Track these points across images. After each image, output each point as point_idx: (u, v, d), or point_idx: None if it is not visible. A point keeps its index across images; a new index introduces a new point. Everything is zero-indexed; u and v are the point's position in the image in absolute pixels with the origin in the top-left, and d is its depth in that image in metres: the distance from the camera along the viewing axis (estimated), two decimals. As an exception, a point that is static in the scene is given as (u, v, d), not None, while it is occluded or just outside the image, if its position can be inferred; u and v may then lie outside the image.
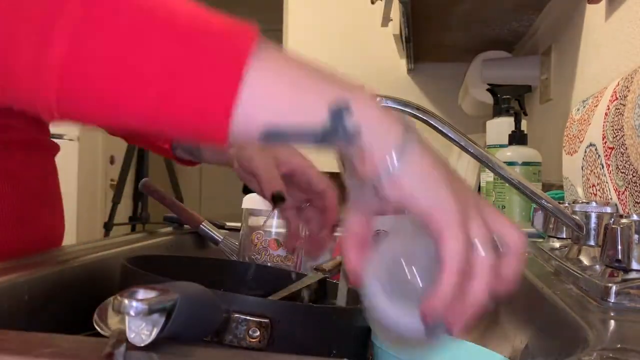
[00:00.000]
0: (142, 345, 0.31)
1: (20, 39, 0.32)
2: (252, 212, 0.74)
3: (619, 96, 0.68)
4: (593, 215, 0.58)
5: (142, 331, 0.31)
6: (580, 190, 0.81)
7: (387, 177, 0.33)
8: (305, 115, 0.33)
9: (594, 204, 0.58)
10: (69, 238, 0.79)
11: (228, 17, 0.37)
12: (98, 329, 0.40)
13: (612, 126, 0.68)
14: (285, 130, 0.33)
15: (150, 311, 0.29)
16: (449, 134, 0.55)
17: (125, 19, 0.32)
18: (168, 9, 0.34)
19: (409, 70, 2.12)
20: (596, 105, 0.77)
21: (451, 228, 0.33)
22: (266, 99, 0.33)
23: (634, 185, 0.62)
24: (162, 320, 0.31)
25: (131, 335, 0.31)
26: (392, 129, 0.33)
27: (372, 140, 0.33)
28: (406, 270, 0.35)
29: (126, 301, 0.29)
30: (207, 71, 0.32)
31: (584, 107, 0.84)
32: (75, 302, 0.58)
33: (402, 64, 2.09)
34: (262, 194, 0.64)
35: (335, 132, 0.32)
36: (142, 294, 0.30)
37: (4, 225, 0.64)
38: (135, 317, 0.29)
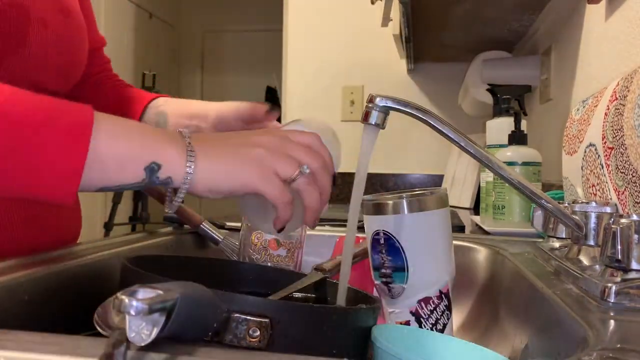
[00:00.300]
0: (142, 344, 0.31)
1: None
2: (252, 212, 0.74)
3: (619, 96, 0.68)
4: (593, 215, 0.58)
5: (142, 331, 0.31)
6: (580, 190, 0.81)
7: (189, 189, 0.48)
8: (130, 177, 0.46)
9: (593, 204, 0.58)
10: (69, 238, 0.80)
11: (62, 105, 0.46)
12: (98, 329, 0.40)
13: (612, 126, 0.68)
14: (117, 187, 0.47)
15: (151, 311, 0.29)
16: (449, 134, 0.55)
17: None
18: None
19: (409, 70, 2.12)
20: (596, 106, 0.77)
21: (260, 185, 0.48)
22: (100, 172, 0.45)
23: (634, 185, 0.62)
24: (162, 319, 0.31)
25: (131, 335, 0.31)
26: (181, 163, 0.47)
27: (175, 178, 0.47)
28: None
29: (126, 300, 0.29)
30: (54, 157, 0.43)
31: (583, 107, 0.84)
32: (75, 302, 0.58)
33: (402, 64, 2.09)
34: None
35: (152, 182, 0.47)
36: (142, 293, 0.30)
37: (14, 225, 0.66)
38: (136, 317, 0.29)
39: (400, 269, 0.55)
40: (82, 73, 0.77)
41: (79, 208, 0.82)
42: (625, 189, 0.64)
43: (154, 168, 0.46)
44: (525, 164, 1.01)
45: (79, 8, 0.75)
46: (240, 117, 0.76)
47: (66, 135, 0.43)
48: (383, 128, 0.55)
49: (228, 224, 0.94)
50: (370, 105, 0.54)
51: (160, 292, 0.30)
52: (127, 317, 0.30)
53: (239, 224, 0.78)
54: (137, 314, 0.29)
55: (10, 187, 0.44)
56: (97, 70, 0.90)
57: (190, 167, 0.47)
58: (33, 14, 0.64)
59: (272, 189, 0.48)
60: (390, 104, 0.54)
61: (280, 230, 0.53)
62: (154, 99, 0.83)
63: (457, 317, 0.73)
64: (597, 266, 0.54)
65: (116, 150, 0.45)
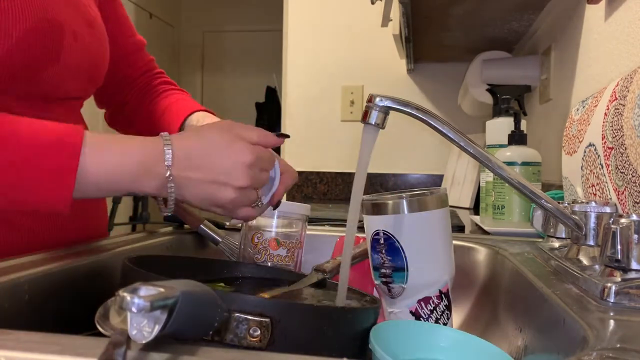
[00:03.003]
0: (144, 342, 0.31)
1: None
2: (252, 212, 0.74)
3: (619, 96, 0.68)
4: (592, 215, 0.58)
5: (143, 328, 0.31)
6: (579, 190, 0.81)
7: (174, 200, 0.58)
8: (117, 189, 0.56)
9: (593, 204, 0.58)
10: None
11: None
12: (99, 329, 0.40)
13: (612, 126, 0.68)
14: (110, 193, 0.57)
15: (152, 308, 0.29)
16: (449, 134, 0.55)
17: None
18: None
19: (409, 70, 2.12)
20: (596, 106, 0.77)
21: (226, 214, 0.61)
22: (91, 187, 0.54)
23: (634, 185, 0.62)
24: (163, 317, 0.31)
25: (133, 332, 0.31)
26: (161, 192, 0.57)
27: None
28: None
29: (128, 298, 0.29)
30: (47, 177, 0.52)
31: (583, 107, 0.84)
32: (76, 301, 0.58)
33: (402, 64, 2.09)
34: None
35: (134, 192, 0.57)
36: (144, 290, 0.30)
37: (62, 220, 0.72)
38: (137, 314, 0.29)
39: (400, 269, 0.55)
40: (104, 77, 0.81)
41: (105, 207, 0.86)
42: (624, 189, 0.64)
43: (135, 193, 0.58)
44: (525, 164, 1.01)
45: (101, 19, 0.79)
46: None
47: (52, 176, 0.52)
48: (383, 128, 0.55)
49: (228, 224, 0.94)
50: (370, 105, 0.54)
51: (162, 289, 0.31)
52: (128, 314, 0.30)
53: (239, 224, 0.78)
54: (138, 311, 0.29)
55: (14, 203, 0.54)
56: (141, 71, 0.93)
57: (171, 195, 0.57)
58: (66, 27, 0.67)
59: (238, 217, 0.62)
60: (390, 103, 0.54)
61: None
62: (190, 113, 0.85)
63: (457, 317, 0.73)
64: (597, 266, 0.54)
65: (99, 187, 0.54)
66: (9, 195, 0.52)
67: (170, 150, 0.55)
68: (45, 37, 0.64)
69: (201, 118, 0.84)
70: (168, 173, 0.55)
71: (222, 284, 0.62)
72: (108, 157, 0.54)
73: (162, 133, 0.57)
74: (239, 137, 0.59)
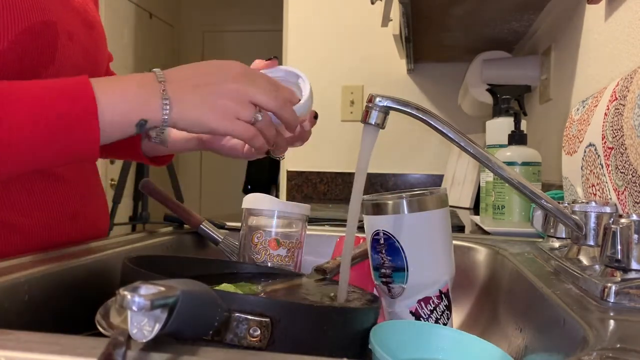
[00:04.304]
0: (144, 340, 0.31)
1: None
2: (252, 212, 0.74)
3: (619, 96, 0.68)
4: (592, 215, 0.58)
5: (144, 327, 0.31)
6: (579, 190, 0.81)
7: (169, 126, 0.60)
8: (128, 121, 0.59)
9: (593, 204, 0.58)
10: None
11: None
12: (100, 329, 0.40)
13: (612, 126, 0.68)
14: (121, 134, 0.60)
15: (153, 306, 0.29)
16: (449, 134, 0.55)
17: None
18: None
19: (409, 70, 2.12)
20: (596, 106, 0.77)
21: (226, 129, 0.61)
22: (107, 125, 0.58)
23: (634, 185, 0.62)
24: (164, 316, 0.31)
25: (133, 331, 0.31)
26: (159, 111, 0.59)
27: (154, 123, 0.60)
28: None
29: (129, 296, 0.29)
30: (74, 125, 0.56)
31: (583, 107, 0.84)
32: (76, 301, 0.58)
33: (402, 64, 2.09)
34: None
35: (141, 129, 0.59)
36: (144, 289, 0.30)
37: (60, 220, 0.72)
38: (138, 313, 0.29)
39: (400, 269, 0.55)
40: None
41: (105, 201, 0.86)
42: (624, 189, 0.64)
43: (142, 124, 0.59)
44: (525, 164, 1.01)
45: (101, 22, 0.80)
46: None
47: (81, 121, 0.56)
48: (383, 128, 0.55)
49: (228, 224, 0.94)
50: (370, 105, 0.54)
51: (162, 288, 0.31)
52: (129, 312, 0.30)
53: (239, 224, 0.78)
54: (139, 309, 0.29)
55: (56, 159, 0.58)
56: None
57: (165, 114, 0.59)
58: (60, 27, 0.68)
59: (235, 129, 0.61)
60: (390, 103, 0.54)
61: (267, 153, 0.70)
62: None
63: (457, 317, 0.73)
64: (597, 266, 0.54)
65: (114, 118, 0.58)
66: (40, 152, 0.56)
67: (162, 72, 0.60)
68: (39, 38, 0.65)
69: None
70: (162, 88, 0.59)
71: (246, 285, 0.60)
72: (113, 94, 0.58)
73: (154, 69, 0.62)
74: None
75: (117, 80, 0.60)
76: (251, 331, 0.38)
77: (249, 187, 3.73)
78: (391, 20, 1.61)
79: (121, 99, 0.58)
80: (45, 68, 0.66)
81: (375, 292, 0.62)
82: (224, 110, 0.60)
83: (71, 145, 0.57)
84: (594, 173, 0.74)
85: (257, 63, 0.72)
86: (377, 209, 0.56)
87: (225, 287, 0.55)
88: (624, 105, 0.66)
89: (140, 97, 0.58)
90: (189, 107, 0.59)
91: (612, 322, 0.42)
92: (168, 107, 0.58)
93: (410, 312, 0.56)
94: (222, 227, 0.91)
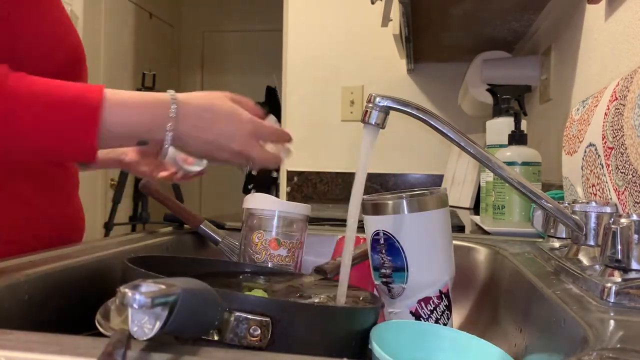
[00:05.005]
0: (145, 338, 0.31)
1: None
2: (253, 212, 0.74)
3: (619, 96, 0.68)
4: (593, 215, 0.58)
5: (144, 325, 0.31)
6: (580, 190, 0.81)
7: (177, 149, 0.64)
8: (134, 138, 0.62)
9: (593, 204, 0.58)
10: (69, 238, 0.80)
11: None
12: (100, 329, 0.40)
13: (612, 126, 0.68)
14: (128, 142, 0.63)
15: (153, 304, 0.29)
16: (449, 134, 0.55)
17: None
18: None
19: (409, 70, 2.12)
20: (596, 106, 0.77)
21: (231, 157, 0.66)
22: (112, 138, 0.60)
23: (634, 185, 0.62)
24: (164, 314, 0.31)
25: (134, 329, 0.31)
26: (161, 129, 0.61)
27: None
28: None
29: (129, 294, 0.29)
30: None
31: (583, 107, 0.84)
32: (76, 301, 0.58)
33: (402, 64, 2.09)
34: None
35: (144, 145, 0.63)
36: (145, 287, 0.30)
37: (19, 223, 0.71)
38: (138, 310, 0.29)
39: (400, 269, 0.55)
40: None
41: (83, 217, 0.86)
42: (625, 189, 0.64)
43: (144, 142, 0.63)
44: (525, 164, 1.01)
45: None
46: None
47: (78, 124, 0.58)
48: (383, 128, 0.55)
49: (228, 224, 0.94)
50: (370, 105, 0.54)
51: (163, 286, 0.31)
52: (129, 310, 0.30)
53: (239, 224, 0.78)
54: (139, 307, 0.29)
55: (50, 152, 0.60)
56: None
57: (166, 145, 0.61)
58: (83, 55, 0.75)
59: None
60: (390, 103, 0.54)
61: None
62: None
63: (457, 317, 0.73)
64: (597, 266, 0.54)
65: (118, 132, 0.60)
66: (39, 143, 0.57)
67: (176, 105, 0.61)
68: (75, 66, 0.72)
69: None
70: (172, 126, 0.61)
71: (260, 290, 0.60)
72: (125, 111, 0.60)
73: (169, 91, 0.63)
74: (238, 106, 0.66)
75: (130, 106, 0.62)
76: (251, 331, 0.38)
77: (249, 187, 3.73)
78: (391, 20, 1.61)
79: (129, 122, 0.61)
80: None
81: (375, 292, 0.62)
82: (219, 159, 0.66)
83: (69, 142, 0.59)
84: (594, 173, 0.74)
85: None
86: (377, 209, 0.56)
87: (256, 292, 0.56)
88: (624, 105, 0.66)
89: (144, 127, 0.61)
90: (189, 147, 0.64)
91: (612, 322, 0.42)
92: (170, 140, 0.62)
93: (410, 312, 0.56)
94: (222, 227, 0.91)
